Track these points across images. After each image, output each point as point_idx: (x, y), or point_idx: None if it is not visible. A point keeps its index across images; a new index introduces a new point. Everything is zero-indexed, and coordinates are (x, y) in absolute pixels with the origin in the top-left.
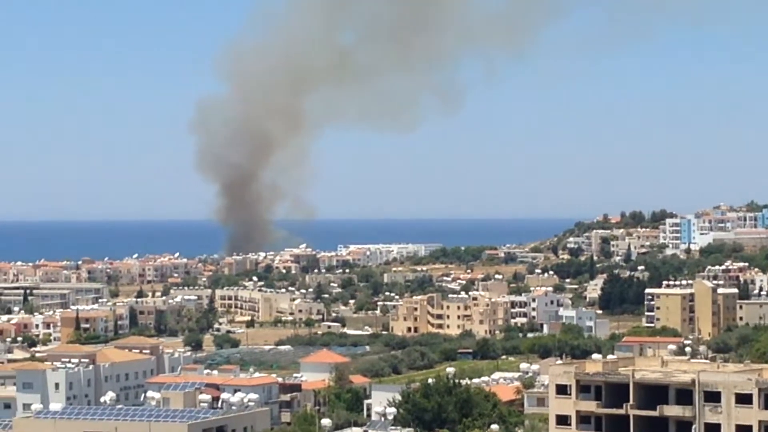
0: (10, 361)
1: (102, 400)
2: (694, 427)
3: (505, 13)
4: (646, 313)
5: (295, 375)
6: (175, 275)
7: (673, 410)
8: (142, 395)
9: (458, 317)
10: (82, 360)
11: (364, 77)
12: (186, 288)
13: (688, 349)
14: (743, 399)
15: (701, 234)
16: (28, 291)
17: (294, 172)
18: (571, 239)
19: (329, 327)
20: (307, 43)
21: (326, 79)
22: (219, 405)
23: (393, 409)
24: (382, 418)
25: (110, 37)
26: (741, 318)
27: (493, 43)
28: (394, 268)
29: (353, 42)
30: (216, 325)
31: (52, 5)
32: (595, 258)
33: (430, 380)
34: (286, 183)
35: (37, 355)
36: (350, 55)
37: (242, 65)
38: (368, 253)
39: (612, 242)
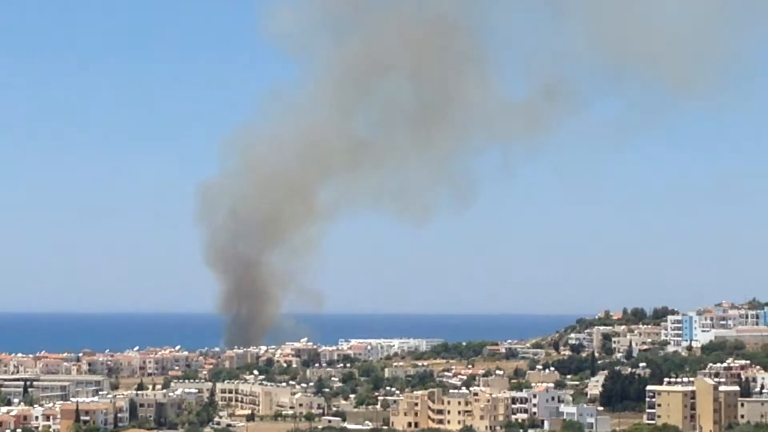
0: None
1: None
2: None
3: (524, 104)
4: (648, 410)
5: None
6: (176, 368)
7: None
8: None
9: (459, 413)
10: None
11: (378, 166)
12: (187, 381)
13: None
14: None
15: (703, 331)
16: (28, 383)
17: (302, 263)
18: (572, 335)
19: (330, 421)
20: (320, 130)
21: (338, 167)
22: None
23: None
24: None
25: (98, 123)
26: (742, 416)
27: (511, 135)
28: (395, 363)
29: (367, 129)
30: (216, 419)
31: (58, 94)
32: (596, 354)
33: None
34: (293, 274)
35: None
36: (364, 143)
37: (252, 151)
38: (369, 347)
39: (613, 339)
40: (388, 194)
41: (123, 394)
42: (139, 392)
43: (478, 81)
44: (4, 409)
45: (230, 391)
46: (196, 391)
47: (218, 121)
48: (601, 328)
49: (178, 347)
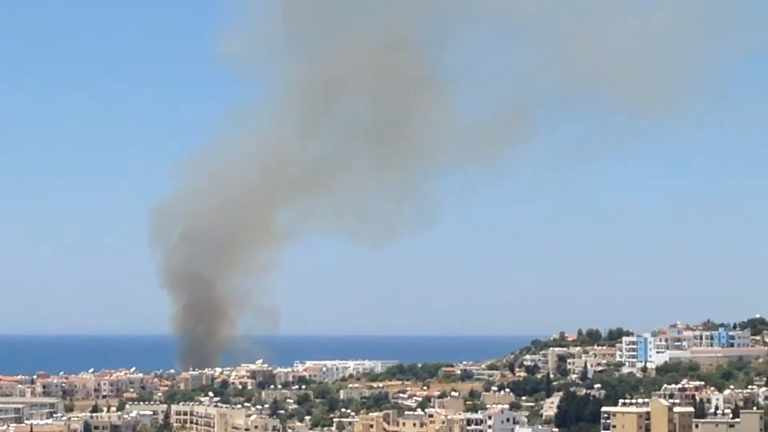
0: None
1: None
2: None
3: (483, 126)
4: (602, 431)
5: None
6: (131, 390)
7: None
8: None
9: None
10: None
11: (336, 188)
12: (141, 403)
13: None
14: None
15: (658, 352)
16: None
17: (259, 284)
18: (527, 357)
19: None
20: (277, 151)
21: (296, 188)
22: None
23: None
24: None
25: (53, 143)
26: None
27: (470, 157)
28: (350, 385)
29: (326, 151)
30: None
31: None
32: (551, 376)
33: None
34: (249, 295)
35: None
36: (322, 164)
37: (207, 172)
38: (324, 369)
39: (569, 360)
40: (347, 216)
41: (78, 417)
42: (93, 414)
43: (436, 102)
44: None
45: (185, 413)
46: (151, 413)
47: (174, 143)
48: (557, 349)
49: (133, 369)
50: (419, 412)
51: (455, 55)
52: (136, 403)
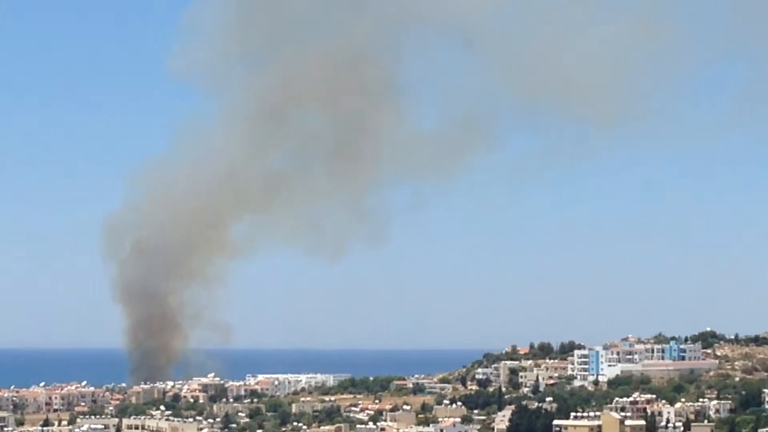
0: None
1: None
2: None
3: (437, 139)
4: None
5: None
6: (82, 404)
7: None
8: None
9: None
10: None
11: (291, 201)
12: (93, 417)
13: None
14: None
15: (609, 366)
16: None
17: (211, 297)
18: (479, 370)
19: None
20: (232, 163)
21: (251, 201)
22: None
23: None
24: None
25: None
26: None
27: (423, 170)
28: (302, 398)
29: (281, 164)
30: None
31: None
32: (503, 389)
33: None
34: (202, 308)
35: None
36: (278, 177)
37: (160, 184)
38: (276, 382)
39: (520, 373)
40: (302, 230)
41: (29, 431)
42: (44, 428)
43: (392, 115)
44: None
45: (137, 427)
46: (103, 426)
47: (126, 155)
48: (508, 362)
49: (84, 383)
50: (371, 425)
51: (411, 67)
52: (87, 416)
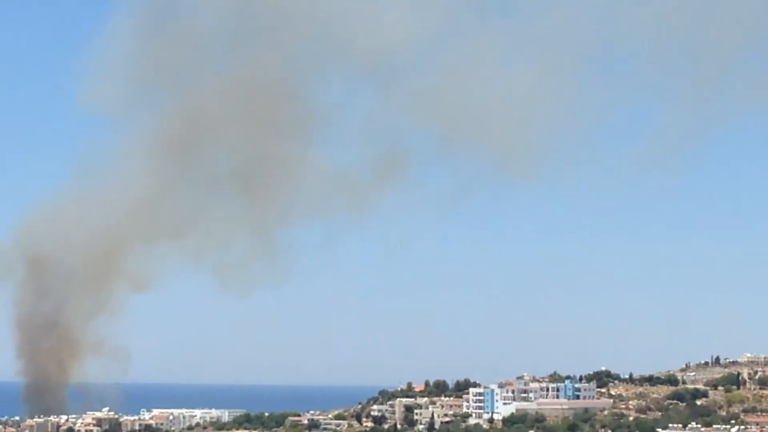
0: None
1: None
2: None
3: (350, 176)
4: None
5: None
6: None
7: None
8: None
9: None
10: None
11: (197, 236)
12: None
13: None
14: None
15: (504, 404)
16: None
17: (109, 329)
18: (375, 407)
19: None
20: (136, 196)
21: (154, 234)
22: None
23: None
24: None
25: None
26: None
27: (335, 208)
28: None
29: (188, 197)
30: None
31: None
32: (398, 426)
33: None
34: (99, 340)
35: None
36: (184, 210)
37: (59, 213)
38: (171, 417)
39: (416, 410)
40: (205, 264)
41: None
42: None
43: (303, 151)
44: None
45: None
46: None
47: (26, 187)
48: (404, 399)
49: None
50: None
51: (323, 99)
52: None
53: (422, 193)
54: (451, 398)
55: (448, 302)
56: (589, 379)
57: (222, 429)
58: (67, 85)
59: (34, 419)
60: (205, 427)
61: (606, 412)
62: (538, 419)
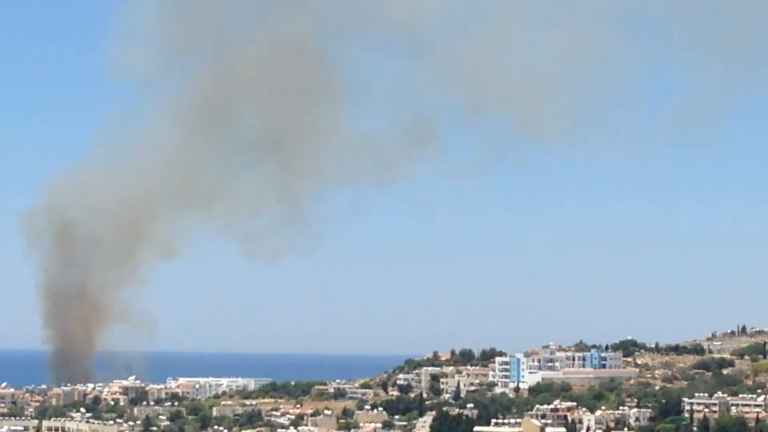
0: None
1: None
2: None
3: (379, 142)
4: None
5: None
6: (2, 405)
7: None
8: None
9: None
10: None
11: (226, 203)
12: (12, 418)
13: None
14: None
15: (530, 373)
16: None
17: (136, 297)
18: (401, 376)
19: None
20: (167, 162)
21: (183, 201)
22: None
23: None
24: None
25: None
26: None
27: (365, 174)
28: (223, 402)
29: (219, 163)
30: None
31: None
32: (424, 395)
33: None
34: (126, 308)
35: None
36: (214, 177)
37: (88, 180)
38: (198, 386)
39: (441, 380)
40: (235, 231)
41: None
42: None
43: (332, 114)
44: None
45: (56, 429)
46: (22, 428)
47: (55, 156)
48: (430, 368)
49: (4, 384)
50: (292, 430)
51: (352, 66)
52: (7, 418)
53: (450, 160)
54: (477, 367)
55: (475, 271)
56: (615, 348)
57: (248, 397)
58: (97, 51)
59: (61, 388)
60: (231, 396)
61: (632, 382)
62: (564, 388)
